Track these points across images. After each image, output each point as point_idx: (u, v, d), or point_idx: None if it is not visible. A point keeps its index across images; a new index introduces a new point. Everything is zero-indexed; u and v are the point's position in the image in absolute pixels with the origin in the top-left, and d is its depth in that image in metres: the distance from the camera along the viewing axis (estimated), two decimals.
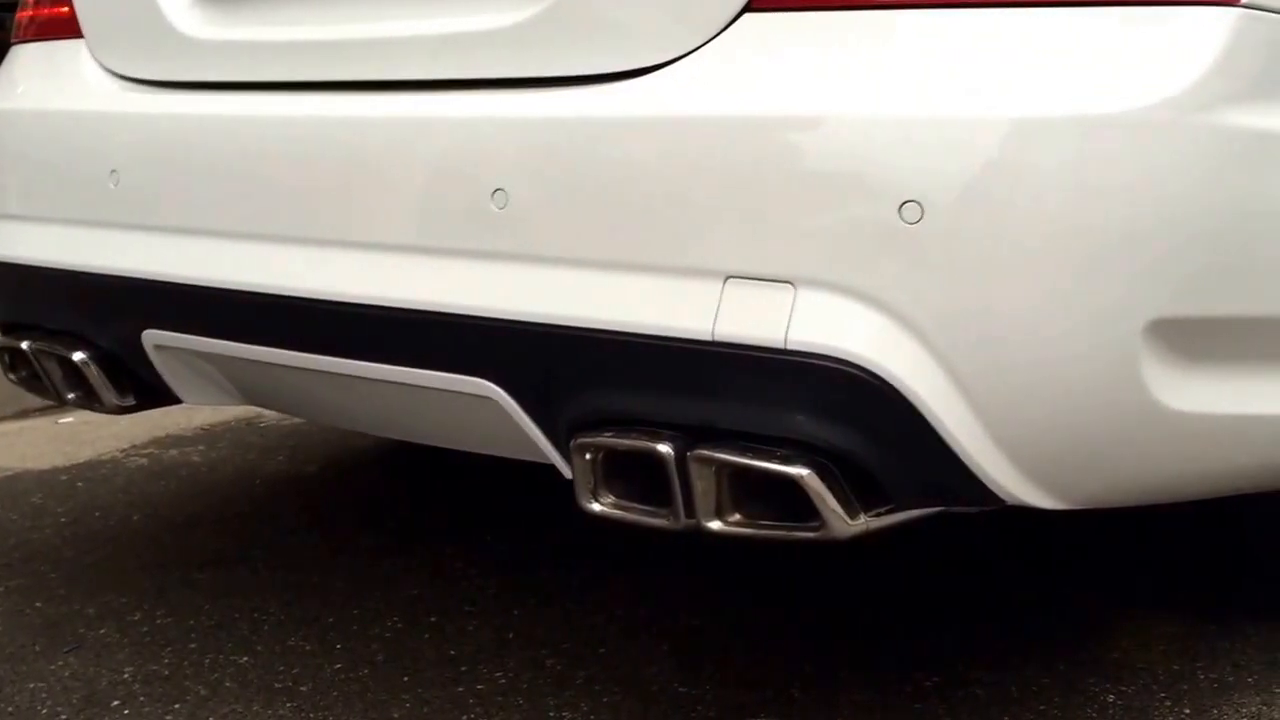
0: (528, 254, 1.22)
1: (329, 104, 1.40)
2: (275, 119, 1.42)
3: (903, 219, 1.06)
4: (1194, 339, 1.12)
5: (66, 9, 1.66)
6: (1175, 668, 1.57)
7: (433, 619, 1.76)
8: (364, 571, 1.93)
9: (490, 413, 1.28)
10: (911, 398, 1.08)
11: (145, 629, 1.75)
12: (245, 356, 1.44)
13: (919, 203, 1.06)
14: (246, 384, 1.57)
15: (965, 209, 1.06)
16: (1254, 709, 1.48)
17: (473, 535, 2.08)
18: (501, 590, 1.85)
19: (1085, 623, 1.71)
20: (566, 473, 1.27)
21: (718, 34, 1.18)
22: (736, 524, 1.17)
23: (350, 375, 1.36)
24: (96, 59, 1.63)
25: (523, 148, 1.24)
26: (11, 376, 1.74)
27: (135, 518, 2.23)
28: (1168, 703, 1.49)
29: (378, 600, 1.83)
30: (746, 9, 1.17)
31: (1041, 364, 1.08)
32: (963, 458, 1.10)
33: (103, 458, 2.63)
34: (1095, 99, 1.06)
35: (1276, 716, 1.46)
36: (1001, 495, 1.14)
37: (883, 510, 1.17)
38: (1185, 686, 1.53)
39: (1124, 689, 1.52)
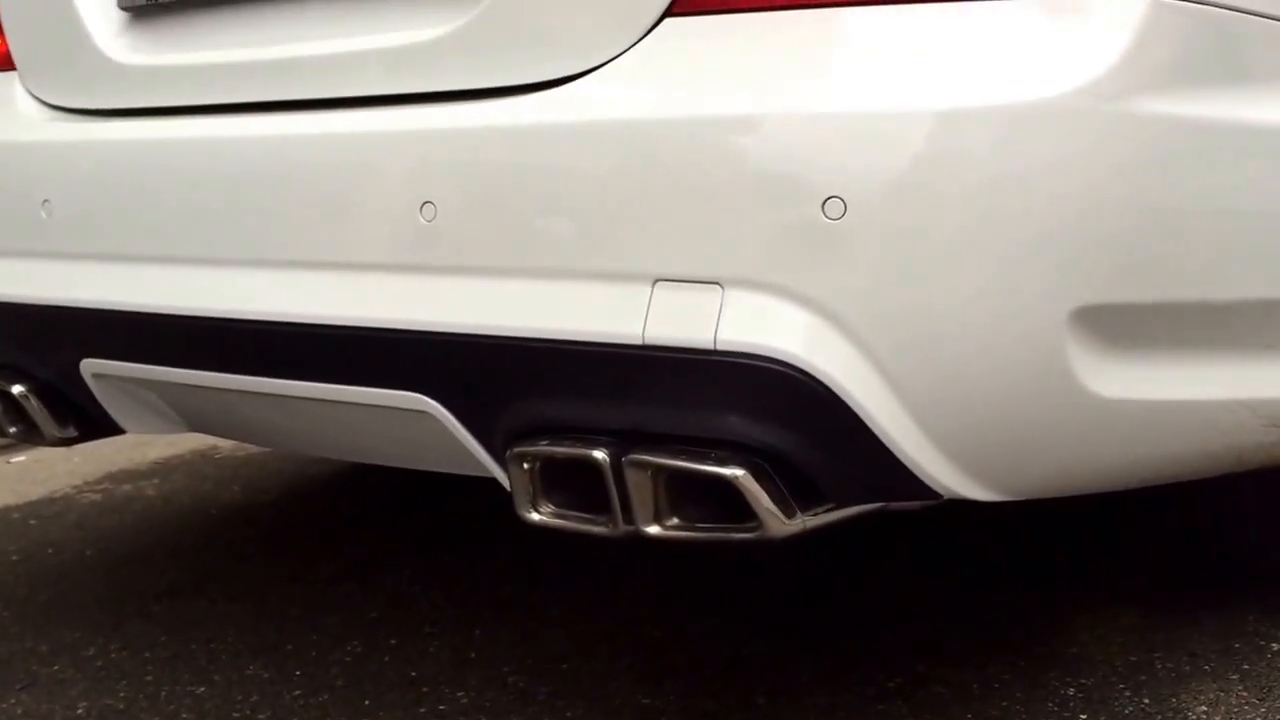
0: (457, 266, 1.21)
1: (258, 125, 1.39)
2: (204, 141, 1.42)
3: (826, 215, 1.06)
4: (1120, 326, 1.13)
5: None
6: (1133, 659, 1.59)
7: (393, 642, 1.75)
8: (322, 597, 1.93)
9: (427, 427, 1.27)
10: (842, 394, 1.08)
11: (100, 663, 1.73)
12: (183, 382, 1.43)
13: (841, 199, 1.06)
14: (187, 410, 1.56)
15: (887, 203, 1.06)
16: (1211, 696, 1.49)
17: (431, 557, 2.08)
18: (462, 610, 1.85)
19: (1044, 618, 1.72)
20: (505, 484, 1.26)
21: (639, 40, 1.18)
22: (675, 528, 1.16)
23: (287, 396, 1.36)
24: (28, 90, 1.62)
25: (447, 160, 1.24)
26: None
27: (89, 553, 2.22)
28: (1127, 693, 1.51)
29: (336, 625, 1.81)
30: (667, 14, 1.18)
31: (970, 356, 1.09)
32: (896, 453, 1.10)
33: (55, 495, 2.61)
34: (1011, 89, 1.06)
35: (1233, 703, 1.47)
36: (937, 489, 1.14)
37: (820, 509, 1.17)
38: (1144, 677, 1.54)
39: (1084, 682, 1.53)
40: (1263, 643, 1.62)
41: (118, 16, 1.55)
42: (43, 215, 1.50)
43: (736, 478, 1.11)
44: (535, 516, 1.22)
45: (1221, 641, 1.63)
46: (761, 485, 1.11)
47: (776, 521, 1.13)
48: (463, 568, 2.02)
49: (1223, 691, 1.50)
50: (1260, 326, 1.29)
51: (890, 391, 1.09)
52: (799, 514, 1.14)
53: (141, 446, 2.86)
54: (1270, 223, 1.22)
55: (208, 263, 1.38)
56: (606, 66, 1.19)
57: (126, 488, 2.63)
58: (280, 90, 1.39)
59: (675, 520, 1.16)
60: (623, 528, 1.17)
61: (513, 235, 1.19)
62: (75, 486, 2.67)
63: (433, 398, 1.25)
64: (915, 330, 1.08)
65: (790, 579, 1.91)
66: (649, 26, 1.18)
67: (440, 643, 1.73)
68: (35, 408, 1.57)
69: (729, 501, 1.13)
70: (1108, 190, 1.08)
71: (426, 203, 1.22)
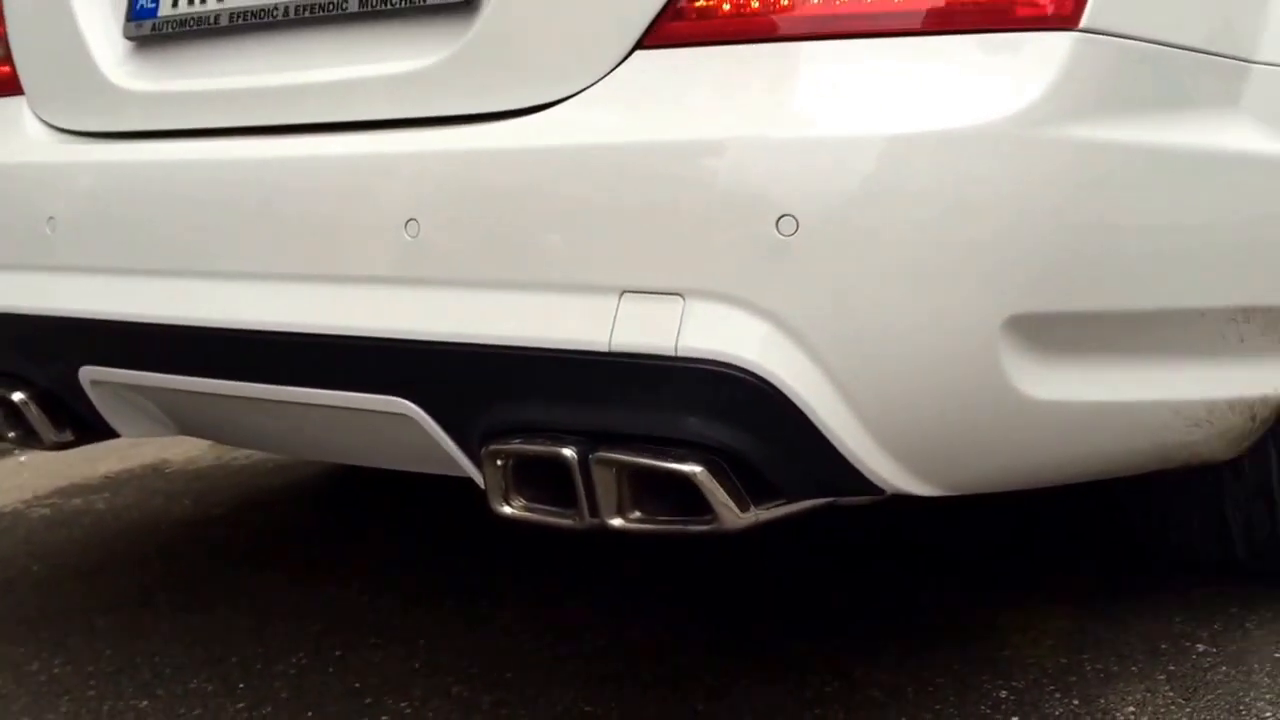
0: (439, 278, 1.30)
1: (254, 148, 1.48)
2: (205, 163, 1.50)
3: (779, 232, 1.15)
4: (1049, 332, 1.22)
5: (8, 69, 1.74)
6: (1063, 660, 1.62)
7: (338, 653, 1.77)
8: (269, 610, 1.94)
9: (408, 429, 1.36)
10: (793, 397, 1.17)
11: (43, 678, 1.74)
12: (179, 388, 1.51)
13: (794, 216, 1.15)
14: (179, 414, 1.64)
15: (835, 221, 1.15)
16: (1139, 697, 1.54)
17: (378, 569, 2.10)
18: (407, 621, 1.87)
19: (977, 621, 1.76)
20: (480, 481, 1.34)
21: (611, 70, 1.28)
22: (637, 520, 1.25)
23: (277, 400, 1.44)
24: (36, 114, 1.70)
25: (431, 180, 1.33)
26: None
27: (35, 568, 2.22)
28: (1057, 695, 1.54)
29: (282, 637, 1.83)
30: (637, 46, 1.27)
31: (910, 361, 1.18)
32: (842, 451, 1.19)
33: (4, 510, 2.62)
34: (948, 117, 1.16)
35: (1160, 703, 1.52)
36: (881, 485, 1.22)
37: (773, 504, 1.25)
38: (1073, 678, 1.58)
39: (1015, 684, 1.57)
40: (1188, 643, 1.67)
41: (122, 45, 1.64)
42: (47, 231, 1.58)
43: (695, 474, 1.20)
44: (507, 510, 1.30)
45: (1148, 642, 1.67)
46: (718, 481, 1.20)
47: (731, 515, 1.21)
48: (410, 580, 2.04)
49: (1150, 692, 1.54)
50: (1181, 334, 1.39)
51: (837, 395, 1.17)
52: (752, 508, 1.22)
53: (92, 460, 2.87)
54: (1186, 237, 1.32)
55: (204, 276, 1.46)
56: (581, 95, 1.29)
57: (76, 502, 2.64)
58: (274, 115, 1.48)
59: (637, 514, 1.25)
60: (588, 520, 1.25)
61: (490, 250, 1.28)
62: (24, 501, 2.68)
63: (413, 401, 1.34)
64: (861, 338, 1.17)
65: (729, 584, 1.95)
66: (621, 58, 1.27)
67: (385, 653, 1.75)
68: (35, 413, 1.65)
69: (687, 496, 1.21)
70: (1036, 209, 1.17)
71: (411, 220, 1.31)
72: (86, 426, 1.67)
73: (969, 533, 2.12)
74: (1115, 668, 1.61)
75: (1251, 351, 1.50)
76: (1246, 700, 1.51)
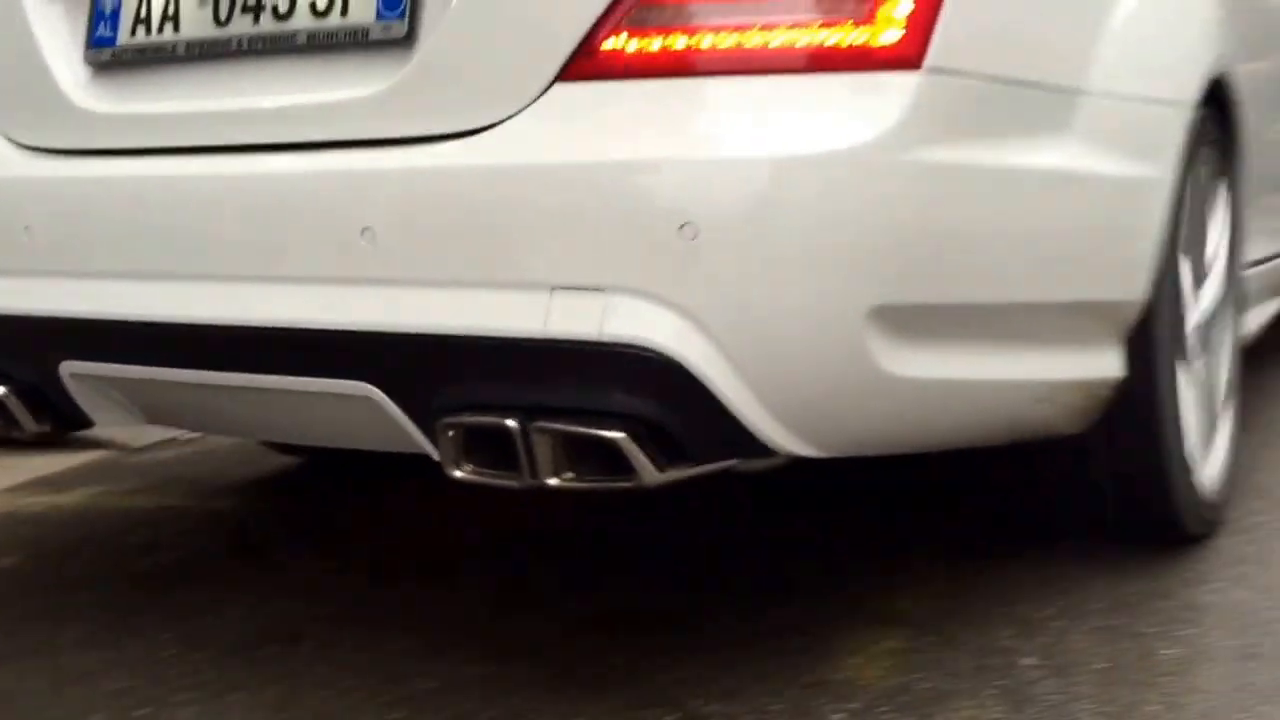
0: (393, 278, 1.52)
1: (213, 164, 1.67)
2: (170, 178, 1.69)
3: (682, 237, 1.40)
4: (907, 320, 1.48)
5: None
6: (896, 680, 1.64)
7: (143, 711, 1.66)
8: (67, 669, 1.81)
9: (369, 409, 1.57)
10: (697, 374, 1.41)
11: None
12: (154, 378, 1.70)
13: (694, 224, 1.39)
14: (150, 404, 1.83)
15: (728, 228, 1.40)
16: (969, 713, 1.56)
17: (189, 619, 1.98)
18: (220, 673, 1.77)
19: (814, 644, 1.78)
20: (433, 454, 1.57)
21: (533, 101, 1.50)
22: (570, 480, 1.49)
23: (247, 388, 1.64)
24: (2, 133, 1.86)
25: (382, 194, 1.54)
26: None
27: None
28: (892, 715, 1.56)
29: (79, 699, 1.70)
30: (556, 80, 1.50)
31: (793, 344, 1.43)
32: (739, 419, 1.44)
33: None
34: (821, 142, 1.41)
35: (989, 718, 1.55)
36: (773, 447, 1.48)
37: (684, 465, 1.50)
38: (906, 698, 1.60)
39: (850, 706, 1.58)
40: (1016, 658, 1.70)
41: (84, 70, 1.81)
42: (25, 239, 1.75)
43: (618, 440, 1.44)
44: (459, 474, 1.53)
45: (977, 659, 1.70)
46: (638, 446, 1.44)
47: (650, 474, 1.46)
48: (224, 628, 1.93)
49: (980, 708, 1.56)
50: (1023, 323, 1.67)
51: (734, 372, 1.42)
52: (667, 468, 1.47)
53: None
54: (1022, 242, 1.60)
55: (176, 278, 1.65)
56: (507, 121, 1.51)
57: None
58: (235, 136, 1.67)
59: (570, 474, 1.48)
60: (529, 481, 1.49)
61: (437, 253, 1.50)
62: None
63: (372, 385, 1.55)
64: (752, 325, 1.42)
65: (562, 616, 1.92)
66: (542, 90, 1.50)
67: (196, 709, 1.66)
68: (16, 405, 1.82)
69: (612, 459, 1.46)
70: (892, 218, 1.44)
71: (367, 228, 1.52)
72: (63, 417, 1.85)
73: (798, 554, 2.17)
74: (946, 686, 1.62)
75: (1086, 339, 1.79)
76: (1072, 711, 1.54)
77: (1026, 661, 1.69)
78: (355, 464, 2.81)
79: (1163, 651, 1.70)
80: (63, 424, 1.87)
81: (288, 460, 2.96)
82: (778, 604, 1.93)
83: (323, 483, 2.85)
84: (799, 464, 1.61)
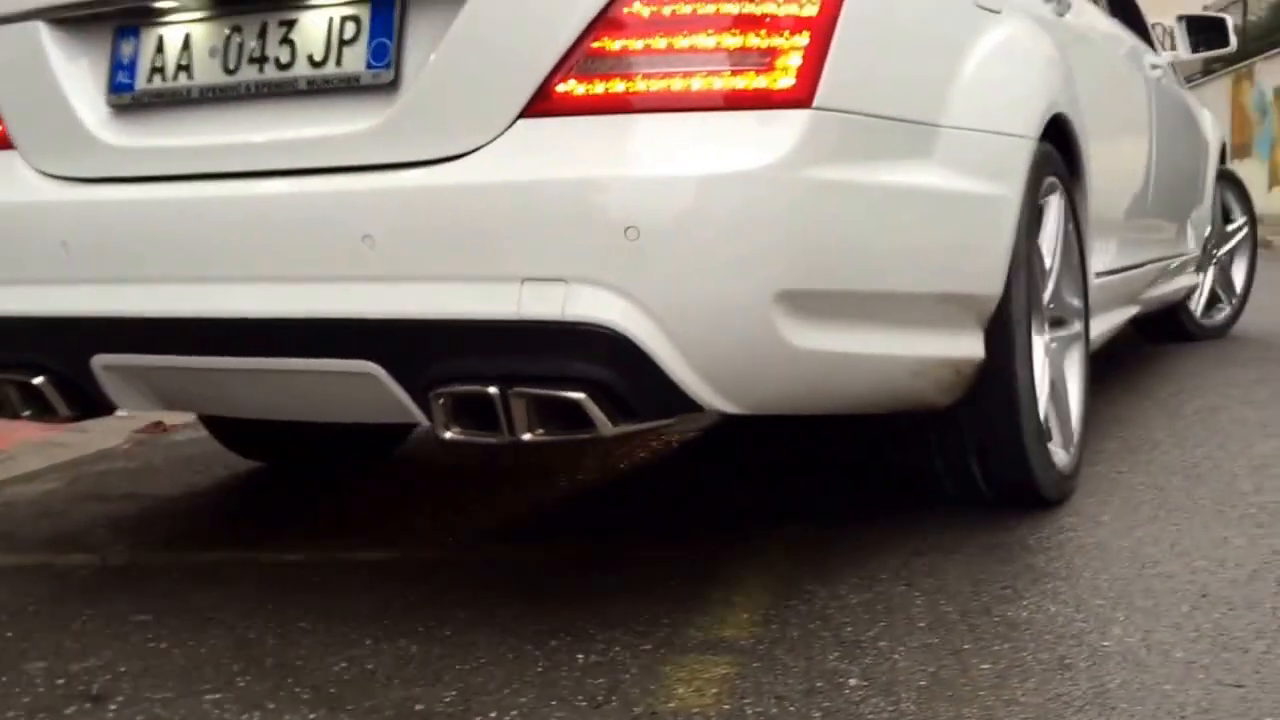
0: (391, 275, 1.86)
1: (227, 188, 1.99)
2: (192, 199, 2.01)
3: (628, 238, 1.76)
4: (806, 302, 1.86)
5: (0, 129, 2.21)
6: (726, 707, 1.68)
7: None
8: None
9: (371, 385, 1.90)
10: (642, 346, 1.77)
11: None
12: (181, 366, 2.02)
13: (637, 228, 1.76)
14: (168, 390, 2.14)
15: (664, 230, 1.77)
16: None
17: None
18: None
19: (643, 675, 1.80)
20: (424, 420, 1.90)
21: (503, 132, 1.86)
22: (541, 435, 1.84)
23: (266, 370, 1.97)
24: (30, 164, 2.17)
25: (380, 208, 1.89)
26: None
27: None
28: None
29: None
30: (521, 116, 1.86)
31: (717, 320, 1.80)
32: (675, 381, 1.80)
33: None
34: (735, 163, 1.79)
35: None
36: (702, 404, 1.84)
37: (633, 420, 1.85)
38: None
39: None
40: (841, 679, 1.74)
41: (105, 110, 2.13)
42: (62, 254, 2.06)
43: (580, 400, 1.79)
44: (448, 435, 1.87)
45: (805, 682, 1.74)
46: (596, 405, 1.80)
47: (606, 428, 1.81)
48: (21, 689, 1.84)
49: None
50: (902, 309, 2.07)
51: (671, 343, 1.78)
52: (620, 423, 1.83)
53: None
54: (895, 243, 2.00)
55: (200, 280, 1.98)
56: (479, 150, 1.86)
57: None
58: (239, 164, 2.00)
59: (541, 430, 1.84)
60: (508, 438, 1.83)
61: (426, 255, 1.85)
62: None
63: (375, 363, 1.89)
64: (685, 306, 1.79)
65: (364, 662, 1.89)
66: (508, 124, 1.86)
67: None
68: (53, 394, 2.12)
69: (575, 416, 1.81)
70: (790, 220, 1.82)
71: (367, 235, 1.86)
72: (90, 403, 2.15)
73: (622, 588, 2.17)
74: (774, 710, 1.66)
75: (954, 324, 2.20)
76: None
77: (852, 682, 1.74)
78: (159, 518, 2.85)
79: (981, 667, 1.77)
80: (90, 411, 2.17)
81: (100, 508, 2.93)
82: (603, 637, 1.94)
83: (142, 529, 2.78)
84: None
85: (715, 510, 2.75)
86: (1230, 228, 5.01)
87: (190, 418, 3.66)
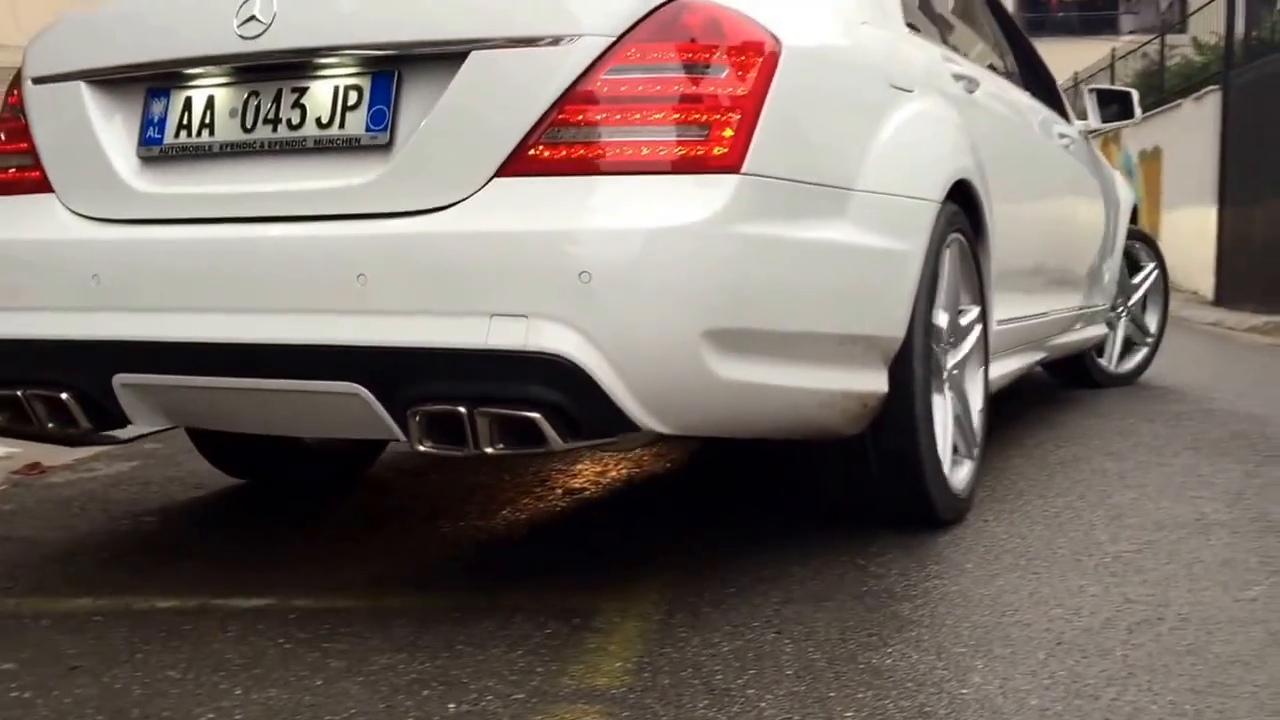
0: (379, 309, 2.18)
1: (242, 230, 2.31)
2: (209, 239, 2.33)
3: (581, 281, 2.09)
4: (729, 339, 2.20)
5: (38, 174, 2.51)
6: None
7: None
8: None
9: (357, 404, 2.22)
10: (590, 373, 2.10)
11: None
12: (191, 385, 2.32)
13: (589, 272, 2.09)
14: (176, 407, 2.44)
15: (612, 275, 2.10)
16: None
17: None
18: None
19: None
20: (401, 436, 2.22)
21: (479, 189, 2.19)
22: (502, 449, 2.16)
23: (265, 390, 2.27)
24: (66, 206, 2.48)
25: (372, 250, 2.21)
26: None
27: None
28: None
29: None
30: (495, 175, 2.19)
31: (654, 353, 2.13)
32: (619, 404, 2.12)
33: None
34: (673, 219, 2.13)
35: None
36: (640, 426, 2.16)
37: (581, 439, 2.17)
38: None
39: None
40: None
41: (136, 161, 2.45)
42: (93, 285, 2.36)
43: (536, 419, 2.11)
44: (422, 448, 2.19)
45: None
46: (550, 424, 2.12)
47: (558, 444, 2.14)
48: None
49: None
50: (813, 347, 2.41)
51: (615, 372, 2.11)
52: (570, 440, 2.15)
53: None
54: (808, 290, 2.34)
55: (212, 310, 2.29)
56: (460, 203, 2.19)
57: None
58: (253, 210, 2.32)
59: (502, 445, 2.15)
60: (473, 451, 2.15)
61: (410, 292, 2.17)
62: None
63: (360, 384, 2.20)
64: (628, 340, 2.11)
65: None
66: (485, 182, 2.19)
67: None
68: (76, 408, 2.41)
69: (532, 433, 2.13)
70: (719, 268, 2.16)
71: (360, 274, 2.18)
72: (107, 419, 2.44)
73: (494, 639, 2.18)
74: None
75: (861, 362, 2.54)
76: None
77: None
78: (32, 562, 2.79)
79: (844, 715, 1.83)
80: (105, 425, 2.46)
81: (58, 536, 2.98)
82: (476, 686, 1.96)
83: (14, 574, 2.71)
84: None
85: (598, 552, 2.79)
86: (1138, 278, 5.39)
87: (69, 459, 3.69)
